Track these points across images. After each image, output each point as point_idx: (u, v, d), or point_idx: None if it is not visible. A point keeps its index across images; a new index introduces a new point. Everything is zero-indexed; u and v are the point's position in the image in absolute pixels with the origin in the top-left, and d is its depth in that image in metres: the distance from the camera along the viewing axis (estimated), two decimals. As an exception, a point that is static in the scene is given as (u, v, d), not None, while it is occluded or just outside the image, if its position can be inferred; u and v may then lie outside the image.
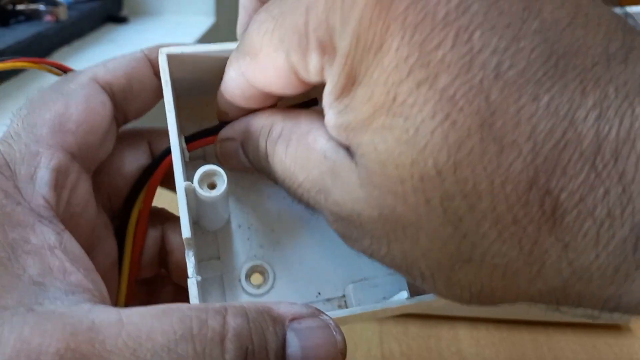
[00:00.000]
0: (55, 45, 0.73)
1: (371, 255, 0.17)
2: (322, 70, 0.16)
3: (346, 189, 0.16)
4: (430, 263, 0.16)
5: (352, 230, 0.17)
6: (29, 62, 0.23)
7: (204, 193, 0.20)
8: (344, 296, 0.23)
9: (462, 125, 0.13)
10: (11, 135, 0.19)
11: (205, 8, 1.01)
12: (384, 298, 0.23)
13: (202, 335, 0.15)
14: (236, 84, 0.20)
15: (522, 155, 0.13)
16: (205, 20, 0.99)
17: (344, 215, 0.17)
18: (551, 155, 0.13)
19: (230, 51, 0.20)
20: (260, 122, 0.20)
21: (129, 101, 0.22)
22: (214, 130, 0.22)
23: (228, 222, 0.23)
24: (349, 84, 0.15)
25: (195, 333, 0.15)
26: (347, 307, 0.23)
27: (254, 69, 0.19)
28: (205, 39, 0.93)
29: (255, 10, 0.21)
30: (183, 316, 0.15)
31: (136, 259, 0.23)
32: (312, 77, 0.17)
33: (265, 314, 0.16)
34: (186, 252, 0.19)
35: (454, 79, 0.14)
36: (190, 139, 0.22)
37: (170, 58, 0.21)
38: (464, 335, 0.36)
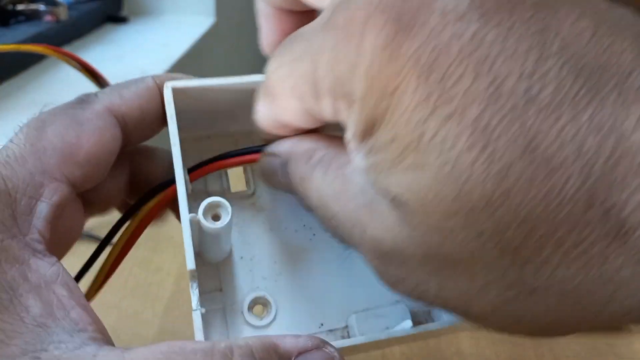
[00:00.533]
0: (55, 45, 0.73)
1: (419, 298, 0.16)
2: (338, 112, 0.16)
3: (385, 226, 0.16)
4: (491, 299, 0.15)
5: (394, 270, 0.16)
6: (48, 49, 0.24)
7: (209, 225, 0.20)
8: (346, 327, 0.23)
9: (503, 153, 0.13)
10: (16, 158, 0.19)
11: (205, 8, 1.01)
12: (387, 328, 0.23)
13: None
14: (266, 116, 0.20)
15: (574, 175, 0.13)
16: (205, 20, 0.99)
17: (384, 251, 0.16)
18: (605, 171, 0.13)
19: (235, 85, 0.21)
20: (305, 146, 0.19)
21: (138, 131, 0.22)
22: (216, 158, 0.22)
23: (230, 253, 0.23)
24: (370, 126, 0.15)
25: None
26: (349, 338, 0.23)
27: (276, 109, 0.19)
28: (205, 39, 0.93)
29: (276, 24, 0.21)
30: (188, 359, 0.15)
31: (108, 276, 0.23)
32: (330, 118, 0.17)
33: (272, 352, 0.16)
34: (190, 284, 0.19)
35: (484, 110, 0.13)
36: (192, 170, 0.22)
37: (176, 91, 0.21)
38: (464, 335, 0.36)
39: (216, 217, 0.20)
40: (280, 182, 0.20)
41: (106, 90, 0.21)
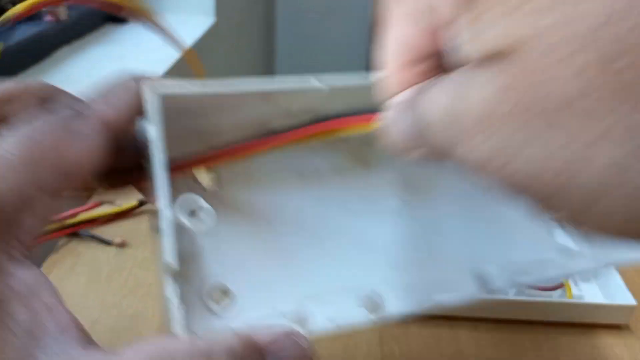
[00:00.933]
0: (55, 45, 0.73)
1: (504, 174, 0.13)
2: None
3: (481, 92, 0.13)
4: (609, 155, 0.11)
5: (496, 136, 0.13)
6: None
7: (192, 226, 0.20)
8: (299, 311, 0.24)
9: None
10: (9, 168, 0.18)
11: (205, 8, 1.01)
12: (338, 313, 0.24)
13: None
14: (385, 48, 0.17)
15: None
16: (205, 20, 0.99)
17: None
18: None
19: (223, 92, 0.22)
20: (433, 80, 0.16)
21: (123, 133, 0.22)
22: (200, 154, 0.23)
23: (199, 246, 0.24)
24: None
25: None
26: (304, 321, 0.24)
27: (392, 31, 0.17)
28: (205, 39, 0.93)
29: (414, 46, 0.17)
30: None
31: None
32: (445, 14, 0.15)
33: (251, 347, 0.17)
34: (165, 279, 0.19)
35: None
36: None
37: (161, 98, 0.21)
38: (464, 335, 0.36)
39: (192, 213, 0.21)
40: (425, 140, 0.16)
41: (96, 99, 0.21)
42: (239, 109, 0.24)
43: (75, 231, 0.44)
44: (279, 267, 0.25)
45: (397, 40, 0.17)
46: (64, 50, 0.75)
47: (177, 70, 0.74)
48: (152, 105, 0.21)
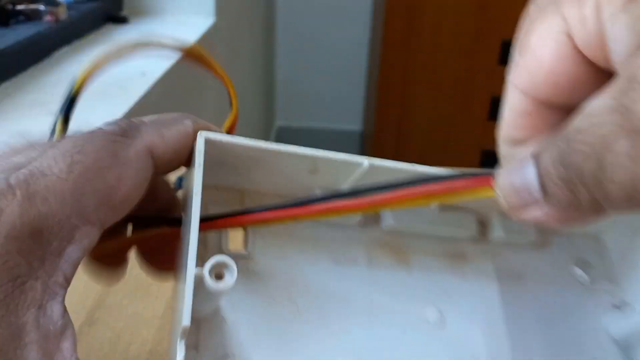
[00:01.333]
0: (55, 46, 0.73)
1: None
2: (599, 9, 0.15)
3: None
4: None
5: None
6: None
7: (213, 284, 0.19)
8: None
9: None
10: (56, 194, 0.17)
11: (205, 8, 1.01)
12: None
13: None
14: (514, 104, 0.17)
15: None
16: (205, 20, 0.99)
17: None
18: None
19: (274, 149, 0.21)
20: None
21: (164, 169, 0.22)
22: (232, 214, 0.22)
23: (215, 312, 0.23)
24: None
25: None
26: None
27: (528, 52, 0.17)
28: (205, 39, 0.93)
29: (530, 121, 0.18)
30: None
31: None
32: (590, 26, 0.15)
33: None
34: (179, 340, 0.18)
35: None
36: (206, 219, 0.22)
37: (208, 142, 0.21)
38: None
39: (219, 276, 0.19)
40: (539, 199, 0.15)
41: (148, 126, 0.21)
42: (282, 170, 0.23)
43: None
44: (292, 348, 0.23)
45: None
46: (64, 50, 0.75)
47: (177, 70, 0.74)
48: (200, 148, 0.20)
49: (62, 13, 0.75)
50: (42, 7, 0.74)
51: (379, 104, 1.71)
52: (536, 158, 0.15)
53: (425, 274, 0.26)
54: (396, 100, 1.68)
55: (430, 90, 1.65)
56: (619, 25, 0.14)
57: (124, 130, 0.20)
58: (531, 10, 0.17)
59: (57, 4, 0.75)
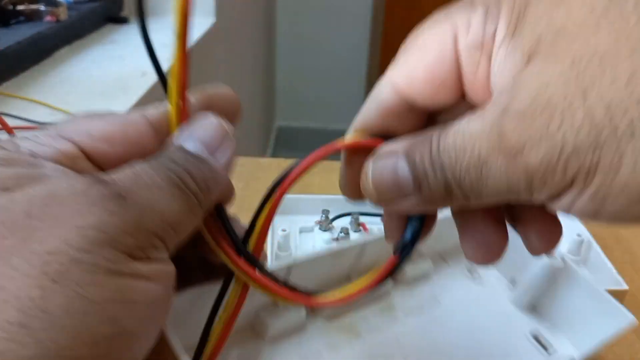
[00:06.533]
0: (55, 46, 0.73)
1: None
2: (484, 23, 0.18)
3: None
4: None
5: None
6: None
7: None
8: None
9: None
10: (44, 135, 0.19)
11: (205, 8, 1.01)
12: None
13: None
14: (383, 98, 0.21)
15: None
16: (205, 21, 0.99)
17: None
18: None
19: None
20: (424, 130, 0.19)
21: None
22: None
23: None
24: (521, 16, 0.17)
25: None
26: None
27: (403, 64, 0.20)
28: (205, 38, 0.93)
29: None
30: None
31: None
32: (474, 33, 0.18)
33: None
34: None
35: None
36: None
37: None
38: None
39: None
40: (399, 184, 0.19)
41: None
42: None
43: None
44: None
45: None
46: (64, 50, 0.75)
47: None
48: None
49: (63, 13, 0.75)
50: (42, 7, 0.74)
51: (379, 104, 1.71)
52: (408, 157, 0.18)
53: (373, 335, 0.31)
54: (396, 100, 1.68)
55: (430, 91, 1.65)
56: (503, 49, 0.17)
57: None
58: (426, 21, 0.20)
59: (57, 4, 0.75)
